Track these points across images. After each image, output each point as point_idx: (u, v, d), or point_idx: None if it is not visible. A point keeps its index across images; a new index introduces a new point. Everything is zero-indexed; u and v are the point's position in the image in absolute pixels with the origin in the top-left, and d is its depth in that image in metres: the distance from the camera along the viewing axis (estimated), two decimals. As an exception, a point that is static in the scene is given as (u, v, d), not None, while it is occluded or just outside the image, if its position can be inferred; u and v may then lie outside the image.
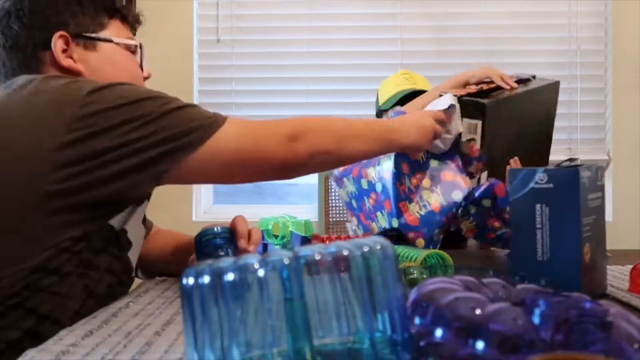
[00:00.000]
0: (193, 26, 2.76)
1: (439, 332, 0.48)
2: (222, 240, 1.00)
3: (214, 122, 0.91)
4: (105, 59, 0.99)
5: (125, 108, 0.85)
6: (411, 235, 1.18)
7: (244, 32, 2.77)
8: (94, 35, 0.98)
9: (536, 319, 0.46)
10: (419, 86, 1.84)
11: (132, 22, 1.06)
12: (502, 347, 0.45)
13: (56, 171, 0.82)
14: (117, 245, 0.92)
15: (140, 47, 1.06)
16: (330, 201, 2.51)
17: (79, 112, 0.83)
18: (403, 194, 1.20)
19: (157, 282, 1.08)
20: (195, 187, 2.76)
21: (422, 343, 0.48)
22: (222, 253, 0.98)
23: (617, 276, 1.04)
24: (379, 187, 1.23)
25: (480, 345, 0.45)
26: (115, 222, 0.90)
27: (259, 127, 0.95)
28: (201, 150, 0.89)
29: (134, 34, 1.08)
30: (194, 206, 2.76)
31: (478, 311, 0.47)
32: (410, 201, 1.20)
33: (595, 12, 2.76)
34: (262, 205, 2.94)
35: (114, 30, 1.01)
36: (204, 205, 2.82)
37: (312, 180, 2.57)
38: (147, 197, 0.97)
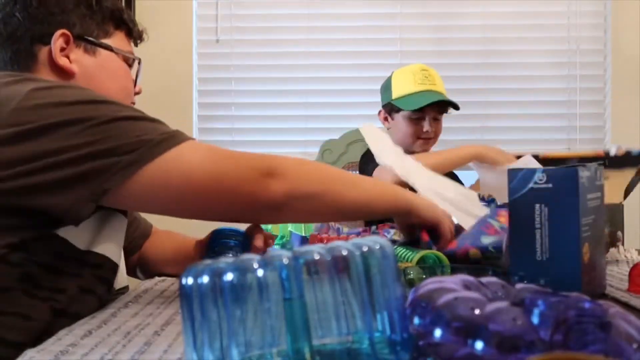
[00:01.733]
0: (192, 26, 2.76)
1: (438, 332, 0.48)
2: (236, 243, 1.00)
3: (168, 138, 0.80)
4: (101, 65, 0.97)
5: (68, 108, 0.78)
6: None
7: (244, 32, 2.77)
8: (96, 40, 0.97)
9: (535, 319, 0.46)
10: (437, 87, 1.82)
11: (135, 36, 1.05)
12: (501, 347, 0.45)
13: None
14: (90, 267, 0.86)
15: (139, 62, 1.05)
16: (329, 201, 2.49)
17: (17, 105, 0.77)
18: None
19: (156, 282, 1.08)
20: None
21: (421, 343, 0.48)
22: (231, 254, 0.97)
23: (616, 276, 1.04)
24: None
25: (479, 345, 0.45)
26: (77, 241, 0.83)
27: (227, 152, 0.84)
28: (147, 169, 0.78)
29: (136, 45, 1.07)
30: (193, 206, 2.75)
31: (477, 311, 0.47)
32: None
33: (594, 12, 2.76)
34: (261, 205, 2.94)
35: (116, 41, 1.00)
36: (203, 205, 2.81)
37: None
38: (83, 217, 0.81)
